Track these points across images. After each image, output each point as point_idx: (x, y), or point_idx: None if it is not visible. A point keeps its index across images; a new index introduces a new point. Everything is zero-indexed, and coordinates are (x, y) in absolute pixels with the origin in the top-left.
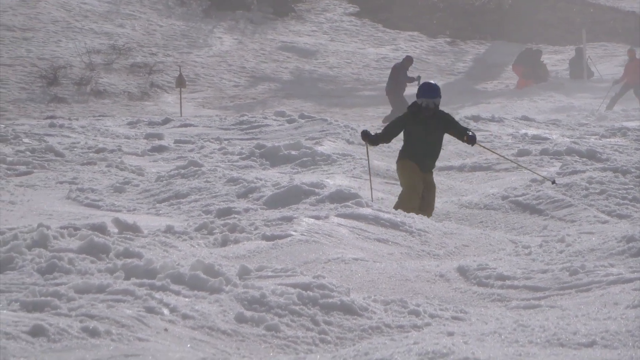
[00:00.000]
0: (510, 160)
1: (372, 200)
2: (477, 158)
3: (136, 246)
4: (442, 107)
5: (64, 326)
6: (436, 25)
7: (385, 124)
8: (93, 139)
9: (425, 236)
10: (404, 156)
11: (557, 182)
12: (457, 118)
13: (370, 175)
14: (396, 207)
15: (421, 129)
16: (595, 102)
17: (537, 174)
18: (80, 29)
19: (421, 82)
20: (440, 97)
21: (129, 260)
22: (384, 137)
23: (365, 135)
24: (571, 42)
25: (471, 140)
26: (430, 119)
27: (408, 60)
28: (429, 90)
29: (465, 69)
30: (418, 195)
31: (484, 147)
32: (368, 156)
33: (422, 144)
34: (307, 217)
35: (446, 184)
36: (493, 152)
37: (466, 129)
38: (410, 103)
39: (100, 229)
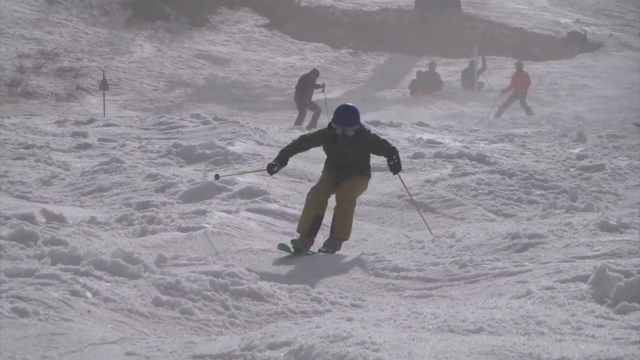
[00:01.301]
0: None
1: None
2: (376, 159)
3: (62, 235)
4: None
5: None
6: (340, 37)
7: (307, 132)
8: (23, 136)
9: (327, 230)
10: (325, 167)
11: None
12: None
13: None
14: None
15: (339, 153)
16: (484, 111)
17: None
18: (11, 34)
19: (325, 89)
20: (358, 122)
21: (55, 248)
22: (291, 150)
23: (270, 168)
24: (463, 55)
25: (395, 168)
26: (350, 143)
27: (315, 73)
28: (345, 117)
29: (366, 78)
30: (318, 191)
31: (402, 181)
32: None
33: (338, 163)
34: (219, 211)
35: None
36: (407, 191)
37: (393, 153)
38: (317, 106)
39: (29, 218)
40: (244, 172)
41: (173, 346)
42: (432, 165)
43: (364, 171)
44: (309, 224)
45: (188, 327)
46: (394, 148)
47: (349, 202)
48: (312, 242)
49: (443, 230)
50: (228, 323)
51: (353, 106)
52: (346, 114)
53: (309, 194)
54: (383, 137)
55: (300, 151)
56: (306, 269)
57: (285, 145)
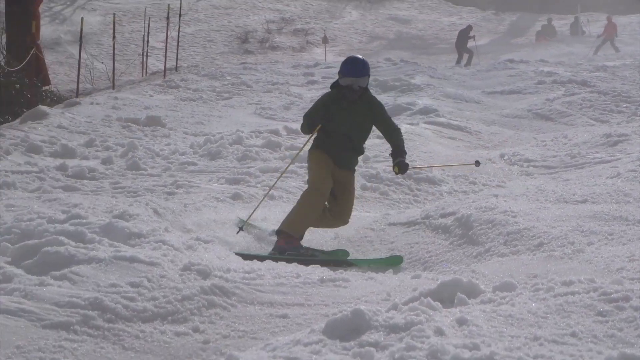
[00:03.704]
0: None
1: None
2: (512, 86)
3: (298, 142)
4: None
5: (253, 193)
6: (486, 2)
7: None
8: (270, 76)
9: (479, 135)
10: (317, 146)
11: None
12: (499, 61)
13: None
14: (296, 209)
15: (343, 116)
16: (586, 50)
17: (461, 164)
18: (261, 7)
19: (476, 38)
20: (368, 75)
21: (293, 152)
22: (309, 128)
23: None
24: (571, 12)
25: (401, 167)
26: (355, 105)
27: (469, 28)
28: (354, 68)
29: (504, 30)
30: (323, 198)
31: (418, 167)
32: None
33: (342, 135)
34: (405, 124)
35: (491, 103)
36: (421, 167)
37: (396, 135)
38: (471, 50)
39: (275, 132)
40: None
41: (375, 217)
42: (550, 88)
43: (358, 153)
44: (305, 229)
45: (385, 204)
46: (399, 129)
47: (344, 222)
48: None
49: (559, 133)
50: (413, 200)
51: (362, 57)
52: (358, 64)
53: (307, 196)
54: (517, 69)
55: (315, 124)
56: (465, 158)
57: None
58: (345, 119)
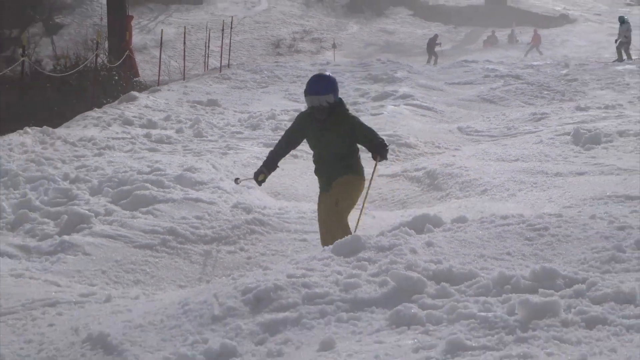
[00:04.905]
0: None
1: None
2: (466, 78)
3: None
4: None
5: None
6: (447, 19)
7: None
8: (295, 71)
9: (442, 113)
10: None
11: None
12: (457, 61)
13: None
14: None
15: (316, 137)
16: (519, 53)
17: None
18: (289, 22)
19: (441, 44)
20: (332, 93)
21: None
22: (279, 152)
23: (256, 177)
24: (509, 26)
25: (382, 155)
26: (326, 125)
27: (436, 37)
28: (312, 85)
29: (461, 39)
30: (324, 226)
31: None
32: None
33: (320, 158)
34: (390, 105)
35: (451, 91)
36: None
37: (382, 147)
38: (436, 54)
39: (299, 110)
40: (246, 179)
41: (368, 171)
42: (493, 80)
43: (353, 168)
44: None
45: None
46: (382, 141)
47: (333, 217)
48: None
49: (499, 112)
50: (395, 159)
51: (327, 74)
52: (316, 80)
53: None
54: (469, 67)
55: (290, 147)
56: (433, 132)
57: (274, 146)
58: (317, 140)
